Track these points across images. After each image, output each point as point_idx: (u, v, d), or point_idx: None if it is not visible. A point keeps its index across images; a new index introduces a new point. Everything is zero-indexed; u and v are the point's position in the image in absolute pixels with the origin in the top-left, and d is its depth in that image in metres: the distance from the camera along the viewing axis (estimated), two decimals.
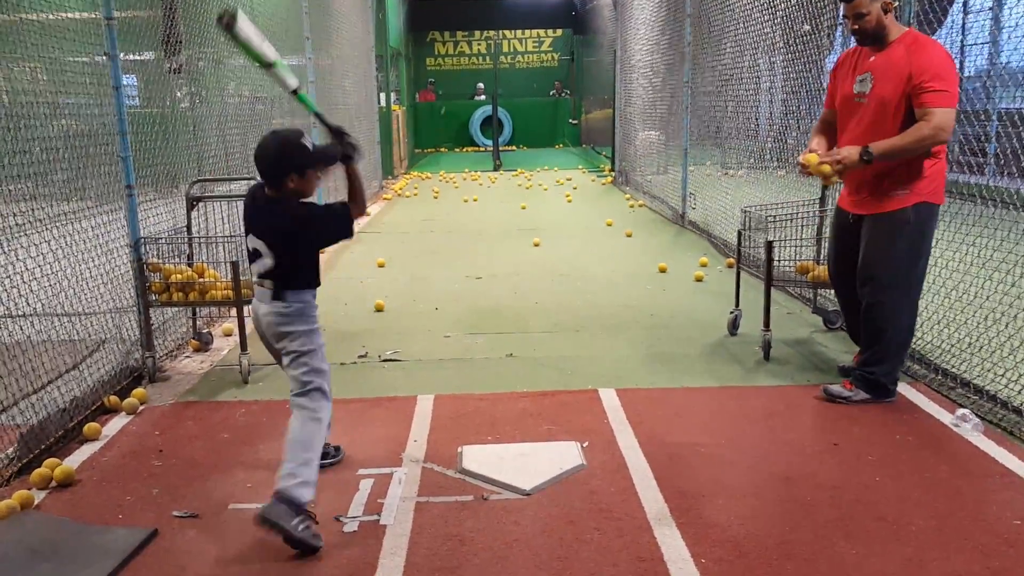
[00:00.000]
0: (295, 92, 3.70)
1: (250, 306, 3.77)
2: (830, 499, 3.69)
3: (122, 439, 4.50)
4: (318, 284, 3.63)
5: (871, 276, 4.60)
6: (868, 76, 4.52)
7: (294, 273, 3.54)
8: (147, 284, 5.33)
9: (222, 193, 6.10)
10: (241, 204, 6.07)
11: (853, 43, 4.73)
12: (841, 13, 4.64)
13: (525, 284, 7.90)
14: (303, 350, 3.57)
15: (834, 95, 4.84)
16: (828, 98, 4.94)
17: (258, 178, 3.54)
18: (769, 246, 5.38)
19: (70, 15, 5.09)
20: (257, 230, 3.52)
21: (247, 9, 8.46)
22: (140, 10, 6.14)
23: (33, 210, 4.66)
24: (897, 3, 4.56)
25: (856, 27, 4.50)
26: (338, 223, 3.55)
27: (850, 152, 4.40)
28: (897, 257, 4.52)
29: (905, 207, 4.46)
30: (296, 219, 3.48)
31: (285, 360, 3.63)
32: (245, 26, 3.58)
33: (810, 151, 4.70)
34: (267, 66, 3.65)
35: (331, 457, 4.05)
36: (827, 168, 4.46)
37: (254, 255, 3.54)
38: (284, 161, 3.42)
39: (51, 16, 4.91)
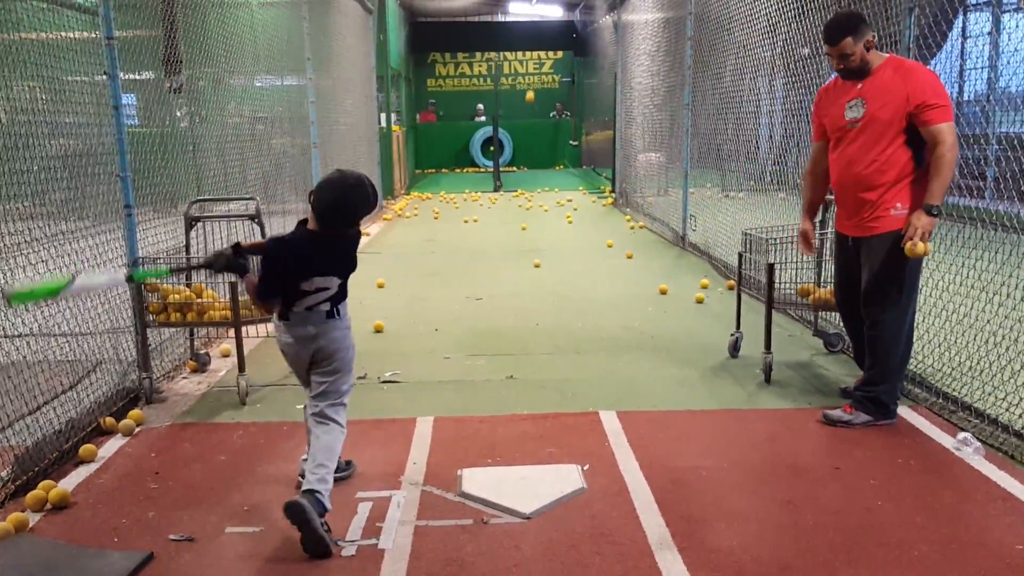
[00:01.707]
0: (130, 279, 4.09)
1: (282, 332, 3.73)
2: (833, 524, 3.65)
3: (118, 461, 4.47)
4: None
5: (876, 296, 4.62)
6: (859, 101, 4.61)
7: (344, 290, 3.73)
8: (145, 304, 5.31)
9: (221, 213, 6.09)
10: (240, 224, 6.12)
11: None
12: (824, 51, 4.70)
13: (525, 305, 7.88)
14: (349, 364, 3.78)
15: (822, 126, 4.93)
16: (816, 131, 5.02)
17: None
18: (770, 268, 5.37)
19: (70, 35, 5.10)
20: (329, 267, 3.63)
21: (248, 28, 8.50)
22: (140, 30, 6.14)
23: (31, 229, 4.65)
24: (876, 37, 4.64)
25: (841, 66, 4.63)
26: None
27: (925, 222, 4.40)
28: (900, 275, 4.56)
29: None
30: (356, 242, 3.78)
31: (327, 377, 3.73)
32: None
33: (805, 234, 5.05)
34: (52, 293, 3.57)
35: (342, 471, 4.06)
36: (923, 247, 4.43)
37: (315, 292, 3.61)
38: (369, 205, 3.62)
39: (51, 36, 4.91)
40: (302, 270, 3.58)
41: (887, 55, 4.66)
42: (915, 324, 4.83)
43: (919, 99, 4.38)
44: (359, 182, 3.56)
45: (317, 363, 3.72)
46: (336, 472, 3.91)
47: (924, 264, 4.71)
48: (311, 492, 3.43)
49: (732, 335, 6.11)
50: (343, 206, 3.53)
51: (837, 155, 4.76)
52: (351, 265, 3.74)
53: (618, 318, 7.33)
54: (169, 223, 6.10)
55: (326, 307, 3.66)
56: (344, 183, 3.54)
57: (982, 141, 10.87)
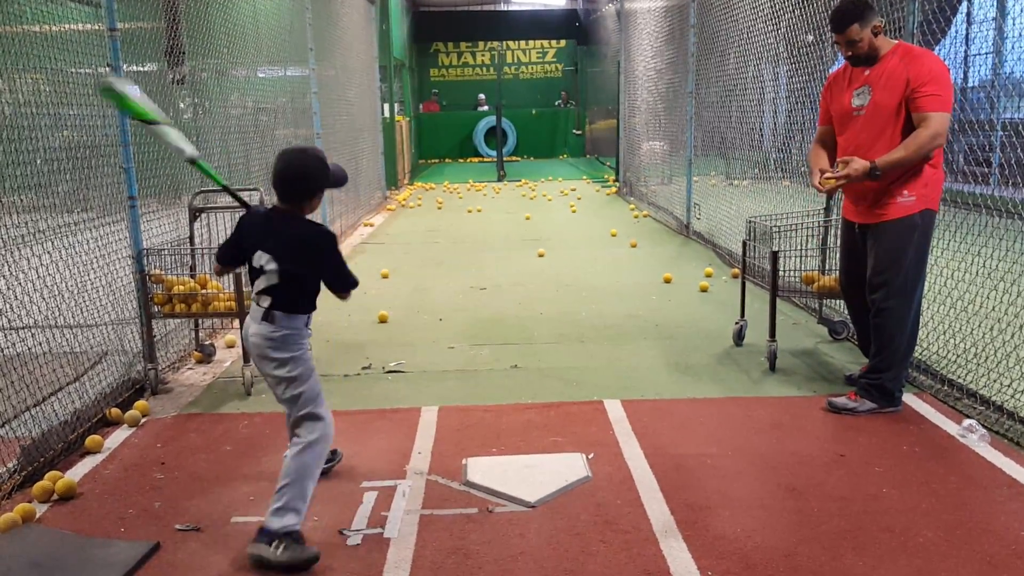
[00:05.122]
0: (192, 162, 3.70)
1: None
2: (838, 510, 3.66)
3: (124, 452, 4.48)
4: (313, 309, 3.55)
5: (882, 282, 4.60)
6: (866, 88, 4.59)
7: (293, 295, 3.44)
8: (149, 295, 5.32)
9: (225, 204, 6.09)
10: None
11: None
12: (832, 39, 4.68)
13: (529, 295, 7.88)
14: (289, 376, 3.45)
15: (828, 111, 4.92)
16: (822, 115, 5.00)
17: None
18: (774, 256, 5.36)
19: (73, 26, 5.10)
20: (268, 244, 3.43)
21: (251, 19, 8.49)
22: (143, 21, 6.15)
23: (35, 221, 4.65)
24: (883, 21, 4.61)
25: (850, 53, 4.60)
26: (345, 280, 3.55)
27: (858, 170, 4.41)
28: (906, 263, 4.54)
29: (912, 214, 4.50)
30: (322, 237, 3.47)
31: (272, 385, 3.52)
32: (118, 83, 3.67)
33: (821, 170, 4.80)
34: (148, 122, 3.71)
35: (328, 461, 3.90)
36: (831, 183, 4.59)
37: (258, 272, 3.47)
38: (314, 182, 3.44)
39: (54, 28, 4.91)
40: (251, 240, 3.50)
41: (896, 41, 4.63)
42: (920, 311, 4.82)
43: (916, 83, 4.36)
44: (296, 152, 3.52)
45: (259, 367, 3.57)
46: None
47: (929, 250, 4.69)
48: (261, 525, 3.32)
49: (736, 323, 6.10)
50: (274, 172, 3.45)
51: (845, 142, 4.74)
52: (297, 255, 3.42)
53: (622, 307, 7.33)
54: (173, 214, 6.11)
55: (266, 303, 3.43)
56: (282, 153, 3.49)
57: (987, 127, 10.83)
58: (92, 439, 4.48)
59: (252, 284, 3.52)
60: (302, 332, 3.50)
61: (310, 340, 3.62)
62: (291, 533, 3.27)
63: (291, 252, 3.42)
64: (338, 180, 3.59)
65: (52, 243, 4.79)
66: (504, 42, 28.26)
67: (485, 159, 25.21)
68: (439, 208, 14.94)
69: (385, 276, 8.82)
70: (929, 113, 4.33)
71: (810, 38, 7.63)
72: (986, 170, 9.28)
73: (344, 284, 3.55)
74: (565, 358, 5.93)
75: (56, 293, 4.75)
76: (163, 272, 5.40)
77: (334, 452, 4.10)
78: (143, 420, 4.89)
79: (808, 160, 5.07)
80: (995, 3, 11.51)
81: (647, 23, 14.22)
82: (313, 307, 3.55)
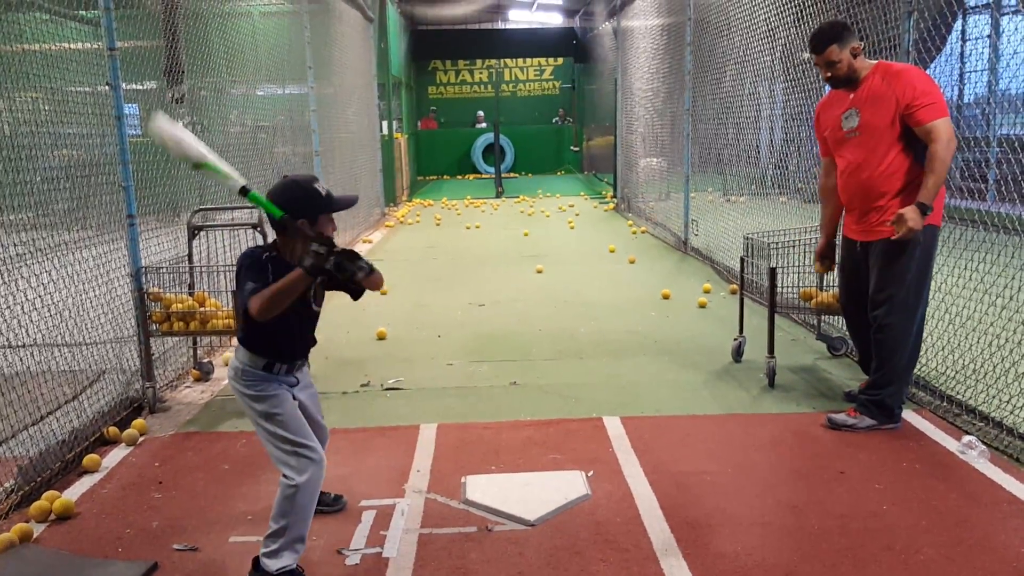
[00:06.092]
0: (244, 192, 3.33)
1: None
2: (838, 528, 3.65)
3: (122, 471, 4.47)
4: (269, 355, 3.30)
5: (884, 299, 4.61)
6: (854, 111, 4.65)
7: (244, 327, 3.30)
8: (148, 313, 5.32)
9: (224, 222, 6.10)
10: (242, 232, 6.13)
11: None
12: (812, 61, 4.73)
13: (528, 311, 7.88)
14: (255, 411, 3.32)
15: (825, 140, 4.96)
16: (822, 146, 5.06)
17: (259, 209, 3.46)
18: (772, 273, 5.37)
19: (73, 46, 5.12)
20: None
21: (250, 38, 8.52)
22: (143, 40, 6.16)
23: (34, 240, 4.66)
24: (863, 44, 4.66)
25: (829, 75, 4.67)
26: (243, 296, 3.19)
27: (914, 218, 4.37)
28: (908, 279, 4.56)
29: None
30: (241, 258, 3.30)
31: None
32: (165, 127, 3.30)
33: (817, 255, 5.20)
34: (195, 166, 3.38)
35: (328, 505, 3.88)
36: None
37: None
38: (292, 206, 3.23)
39: (54, 47, 4.93)
40: None
41: (875, 62, 4.67)
42: (923, 327, 4.81)
43: (907, 100, 4.40)
44: (277, 184, 3.38)
45: None
46: (320, 505, 3.68)
47: (932, 266, 4.69)
48: (255, 559, 3.27)
49: (735, 339, 6.10)
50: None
51: (844, 164, 4.78)
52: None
53: (621, 323, 7.33)
54: (172, 232, 6.11)
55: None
56: (275, 184, 3.38)
57: (983, 144, 10.87)
58: (90, 458, 4.47)
59: None
60: (258, 374, 3.31)
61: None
62: (291, 572, 3.23)
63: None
64: (341, 205, 3.35)
65: (51, 261, 4.79)
66: (502, 60, 28.37)
67: (483, 176, 25.27)
68: (437, 224, 14.96)
69: (384, 293, 8.81)
70: (932, 123, 4.36)
71: (806, 55, 7.66)
72: (983, 186, 9.30)
73: (241, 298, 3.21)
74: (564, 374, 5.93)
75: (54, 311, 4.74)
76: (161, 290, 5.40)
77: (338, 497, 3.96)
78: (141, 439, 4.88)
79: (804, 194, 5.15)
80: (989, 20, 11.57)
81: (644, 41, 14.28)
82: (272, 352, 3.31)
